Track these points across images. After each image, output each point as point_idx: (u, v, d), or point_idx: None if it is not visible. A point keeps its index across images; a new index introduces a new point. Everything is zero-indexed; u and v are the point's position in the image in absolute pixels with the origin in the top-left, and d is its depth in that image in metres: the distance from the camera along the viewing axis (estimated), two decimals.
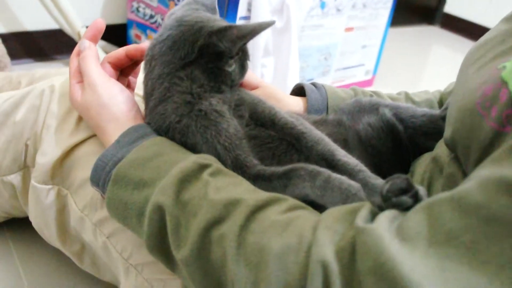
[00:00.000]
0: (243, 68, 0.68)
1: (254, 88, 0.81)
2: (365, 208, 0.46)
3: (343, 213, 0.47)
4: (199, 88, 0.63)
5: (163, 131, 0.64)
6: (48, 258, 0.97)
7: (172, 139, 0.63)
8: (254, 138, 0.65)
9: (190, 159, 0.57)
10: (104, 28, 0.73)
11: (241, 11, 1.47)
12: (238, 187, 0.55)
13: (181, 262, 0.53)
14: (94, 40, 0.72)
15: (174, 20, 0.66)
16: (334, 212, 0.48)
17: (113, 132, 0.64)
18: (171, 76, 0.64)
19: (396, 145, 0.73)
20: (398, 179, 0.46)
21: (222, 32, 0.62)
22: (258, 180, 0.60)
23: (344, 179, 0.56)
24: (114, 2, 1.90)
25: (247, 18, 1.49)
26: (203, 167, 0.57)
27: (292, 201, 0.53)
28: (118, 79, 0.73)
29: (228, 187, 0.54)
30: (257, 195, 0.53)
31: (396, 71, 2.38)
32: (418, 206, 0.43)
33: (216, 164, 0.59)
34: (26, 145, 0.78)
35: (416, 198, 0.45)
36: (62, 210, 0.77)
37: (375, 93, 0.88)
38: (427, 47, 3.02)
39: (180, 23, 0.65)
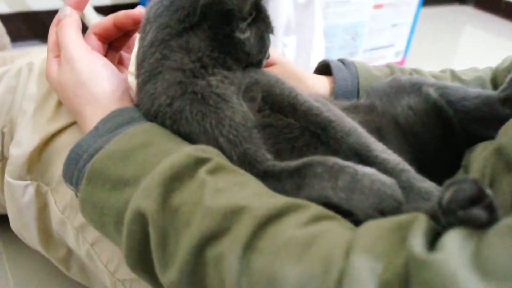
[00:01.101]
0: (262, 40, 0.55)
1: (270, 65, 0.68)
2: (418, 224, 0.33)
3: (387, 229, 0.34)
4: (196, 62, 0.51)
5: (152, 115, 0.52)
6: (38, 262, 0.86)
7: (163, 126, 0.51)
8: (268, 127, 0.52)
9: (183, 151, 0.45)
10: None
11: None
12: (244, 189, 0.42)
13: (167, 287, 0.40)
14: (78, 7, 0.60)
15: None
16: (372, 228, 0.35)
17: (93, 117, 0.53)
18: (164, 44, 0.52)
19: (445, 132, 0.60)
20: (464, 184, 0.34)
21: None
22: (267, 178, 0.48)
23: (375, 175, 0.45)
24: None
25: None
26: (200, 161, 0.44)
27: (315, 209, 0.40)
28: (106, 54, 0.61)
29: (232, 190, 0.42)
30: (269, 201, 0.40)
31: (428, 52, 2.24)
32: (503, 226, 0.29)
33: (217, 158, 0.46)
34: (2, 133, 0.66)
35: (492, 211, 0.32)
36: (43, 210, 0.65)
37: (415, 70, 0.75)
38: (460, 28, 2.86)
39: None
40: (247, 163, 0.49)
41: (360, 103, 0.65)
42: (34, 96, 0.64)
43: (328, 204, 0.44)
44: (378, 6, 1.70)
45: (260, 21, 0.54)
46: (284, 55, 1.48)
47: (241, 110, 0.50)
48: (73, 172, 0.50)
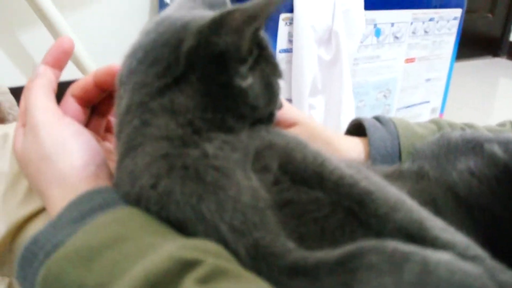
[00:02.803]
0: (270, 87, 0.43)
1: (289, 126, 0.56)
2: None
3: None
4: (185, 126, 0.39)
5: (133, 199, 0.39)
6: None
7: (147, 212, 0.38)
8: (288, 205, 0.40)
9: (165, 251, 0.33)
10: (72, 48, 0.50)
11: (281, 43, 1.24)
12: None
13: None
14: (56, 65, 0.50)
15: (152, 23, 0.43)
16: None
17: (60, 200, 0.41)
18: (142, 108, 0.40)
19: None
20: None
21: (218, 21, 0.38)
22: (295, 276, 0.35)
23: (452, 262, 0.33)
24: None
25: (288, 50, 1.26)
26: (187, 266, 0.32)
27: None
28: (90, 120, 0.50)
29: None
30: None
31: (466, 107, 2.12)
32: None
33: (212, 259, 0.33)
34: None
35: None
36: None
37: (468, 125, 0.61)
38: (495, 80, 2.78)
39: (158, 25, 0.42)
40: (261, 259, 0.35)
41: (405, 168, 0.52)
42: (5, 174, 0.52)
43: None
44: (409, 61, 1.59)
45: (264, 62, 0.43)
46: (311, 117, 1.36)
47: (249, 187, 0.37)
48: (26, 276, 0.37)
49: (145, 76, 0.40)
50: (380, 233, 0.38)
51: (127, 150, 0.40)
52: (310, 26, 1.23)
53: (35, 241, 0.38)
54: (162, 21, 0.42)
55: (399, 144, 0.58)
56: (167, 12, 0.45)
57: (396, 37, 1.50)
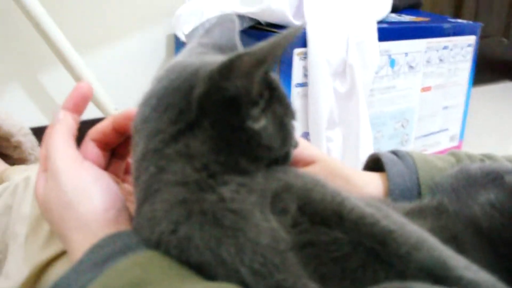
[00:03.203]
0: (284, 128, 0.44)
1: (307, 164, 0.56)
2: None
3: None
4: (201, 171, 0.39)
5: (153, 245, 0.39)
6: None
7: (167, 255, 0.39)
8: (308, 246, 0.39)
9: None
10: (91, 93, 0.52)
11: (296, 77, 1.25)
12: None
13: None
14: (75, 110, 0.51)
15: (164, 70, 0.44)
16: None
17: (82, 245, 0.41)
18: (157, 155, 0.40)
19: None
20: None
21: (227, 66, 0.38)
22: None
23: None
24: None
25: (304, 85, 1.26)
26: None
27: None
28: (109, 164, 0.50)
29: None
30: None
31: (485, 134, 2.09)
32: None
33: None
34: None
35: None
36: None
37: (487, 156, 0.60)
38: None
39: (169, 72, 0.43)
40: None
41: (425, 204, 0.51)
42: (27, 218, 0.53)
43: None
44: (425, 89, 1.59)
45: (276, 102, 0.43)
46: (330, 151, 1.35)
47: (268, 228, 0.37)
48: None
49: (159, 123, 0.41)
50: (402, 273, 0.38)
51: (145, 196, 0.40)
52: (324, 60, 1.24)
53: (57, 286, 0.38)
54: (173, 67, 0.43)
55: (417, 178, 0.57)
56: (178, 58, 0.46)
57: (411, 67, 1.50)
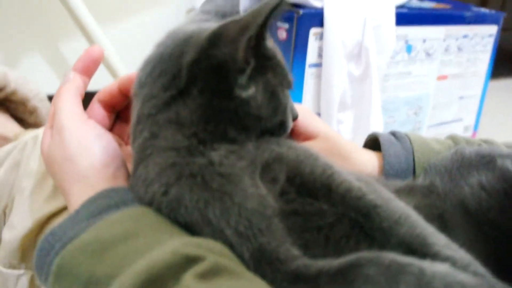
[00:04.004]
0: (275, 97, 0.44)
1: (309, 138, 0.57)
2: None
3: None
4: (191, 137, 0.41)
5: (146, 203, 0.41)
6: None
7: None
8: (294, 215, 0.41)
9: (169, 247, 0.35)
10: (101, 57, 0.53)
11: (311, 57, 1.25)
12: None
13: None
14: (85, 72, 0.53)
15: (164, 36, 0.45)
16: None
17: (80, 198, 0.43)
18: (150, 120, 0.42)
19: None
20: None
21: (216, 34, 0.40)
22: (296, 283, 0.36)
23: (450, 274, 0.34)
24: None
25: (318, 65, 1.26)
26: (189, 261, 0.34)
27: None
28: (114, 125, 0.52)
29: None
30: None
31: (500, 126, 2.07)
32: None
33: (214, 257, 0.35)
34: (5, 214, 0.58)
35: None
36: None
37: (486, 141, 0.62)
38: None
39: (167, 38, 0.45)
40: (266, 263, 0.37)
41: (416, 183, 0.53)
42: (34, 173, 0.56)
43: None
44: (442, 78, 1.58)
45: (269, 71, 0.44)
46: (340, 133, 1.36)
47: (256, 194, 0.39)
48: (43, 266, 0.40)
49: (153, 88, 0.42)
50: (383, 246, 0.39)
51: (140, 159, 0.42)
52: (340, 41, 1.24)
53: (53, 233, 0.40)
54: (172, 34, 0.45)
55: (413, 160, 0.58)
56: (180, 25, 0.47)
57: (428, 54, 1.49)
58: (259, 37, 0.42)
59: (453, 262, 0.37)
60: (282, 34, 1.24)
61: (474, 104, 1.75)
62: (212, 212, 0.38)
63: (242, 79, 0.41)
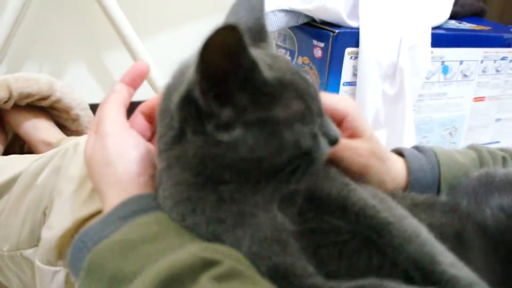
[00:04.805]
0: (276, 135, 0.41)
1: (354, 135, 0.55)
2: None
3: None
4: (197, 176, 0.43)
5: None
6: None
7: None
8: (311, 232, 0.43)
9: (189, 249, 0.38)
10: (147, 71, 0.57)
11: (345, 76, 1.27)
12: None
13: None
14: (131, 84, 0.57)
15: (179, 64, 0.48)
16: None
17: (113, 201, 0.47)
18: (164, 154, 0.45)
19: None
20: None
21: (192, 82, 0.40)
22: None
23: None
24: None
25: (352, 84, 1.28)
26: (207, 264, 0.36)
27: None
28: (154, 136, 0.55)
29: None
30: None
31: None
32: None
33: (231, 261, 0.37)
34: (44, 215, 0.63)
35: None
36: None
37: (503, 150, 0.63)
38: None
39: (177, 68, 0.47)
40: (281, 277, 0.39)
41: (438, 200, 0.53)
42: (73, 178, 0.60)
43: None
44: (478, 99, 1.56)
45: (271, 106, 0.41)
46: None
47: (270, 224, 0.41)
48: (75, 263, 0.43)
49: (161, 127, 0.45)
50: (394, 263, 0.41)
51: (160, 183, 0.46)
52: (375, 61, 1.25)
53: (86, 233, 0.44)
54: (180, 63, 0.47)
55: (439, 173, 0.58)
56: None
57: (465, 75, 1.49)
58: (225, 83, 0.39)
59: (457, 280, 0.39)
60: (318, 53, 1.26)
61: (511, 127, 1.72)
62: (227, 239, 0.41)
63: (209, 126, 0.41)
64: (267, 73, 0.40)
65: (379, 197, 0.46)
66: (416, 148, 0.62)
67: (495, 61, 1.54)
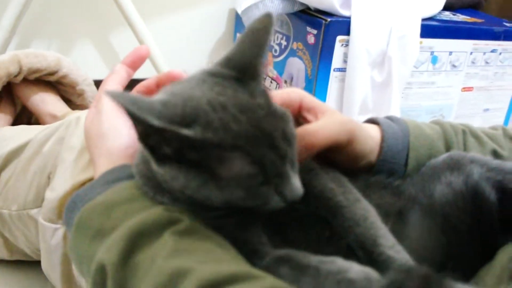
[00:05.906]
0: (207, 188, 0.43)
1: (318, 113, 0.57)
2: None
3: None
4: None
5: None
6: None
7: None
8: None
9: (157, 209, 0.45)
10: (147, 55, 0.64)
11: (336, 62, 1.34)
12: (205, 253, 0.41)
13: None
14: (132, 66, 0.64)
15: None
16: None
17: (102, 169, 0.54)
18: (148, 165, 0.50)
19: (476, 223, 0.52)
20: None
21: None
22: (253, 258, 0.46)
23: (341, 272, 0.40)
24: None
25: (342, 70, 1.35)
26: (170, 222, 0.44)
27: (270, 282, 0.37)
28: None
29: (191, 253, 0.40)
30: (220, 267, 0.38)
31: None
32: None
33: (190, 220, 0.45)
34: (49, 179, 0.71)
35: None
36: (67, 255, 0.67)
37: (464, 125, 0.66)
38: None
39: None
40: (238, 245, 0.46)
41: (388, 181, 0.58)
42: (74, 148, 0.68)
43: None
44: (467, 89, 1.63)
45: (200, 156, 0.42)
46: None
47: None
48: (69, 220, 0.51)
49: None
50: (340, 240, 0.49)
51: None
52: (365, 49, 1.32)
53: (77, 195, 0.52)
54: None
55: (408, 141, 0.60)
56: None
57: (454, 66, 1.55)
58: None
59: (392, 260, 0.46)
60: (311, 39, 1.33)
61: (499, 117, 1.78)
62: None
63: (153, 155, 0.44)
64: (197, 133, 0.41)
65: (338, 180, 0.52)
66: (389, 118, 0.65)
67: (484, 53, 1.59)
